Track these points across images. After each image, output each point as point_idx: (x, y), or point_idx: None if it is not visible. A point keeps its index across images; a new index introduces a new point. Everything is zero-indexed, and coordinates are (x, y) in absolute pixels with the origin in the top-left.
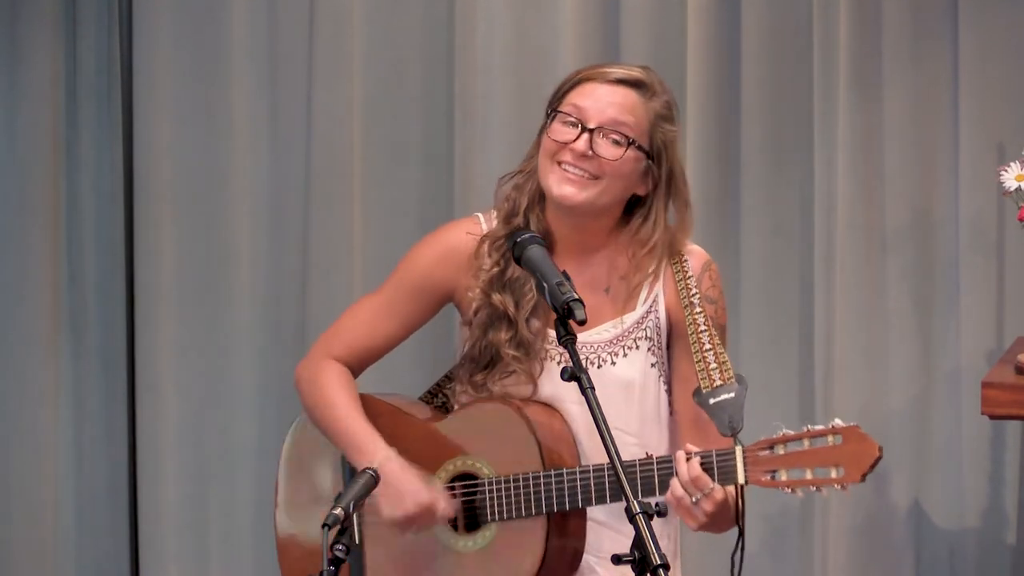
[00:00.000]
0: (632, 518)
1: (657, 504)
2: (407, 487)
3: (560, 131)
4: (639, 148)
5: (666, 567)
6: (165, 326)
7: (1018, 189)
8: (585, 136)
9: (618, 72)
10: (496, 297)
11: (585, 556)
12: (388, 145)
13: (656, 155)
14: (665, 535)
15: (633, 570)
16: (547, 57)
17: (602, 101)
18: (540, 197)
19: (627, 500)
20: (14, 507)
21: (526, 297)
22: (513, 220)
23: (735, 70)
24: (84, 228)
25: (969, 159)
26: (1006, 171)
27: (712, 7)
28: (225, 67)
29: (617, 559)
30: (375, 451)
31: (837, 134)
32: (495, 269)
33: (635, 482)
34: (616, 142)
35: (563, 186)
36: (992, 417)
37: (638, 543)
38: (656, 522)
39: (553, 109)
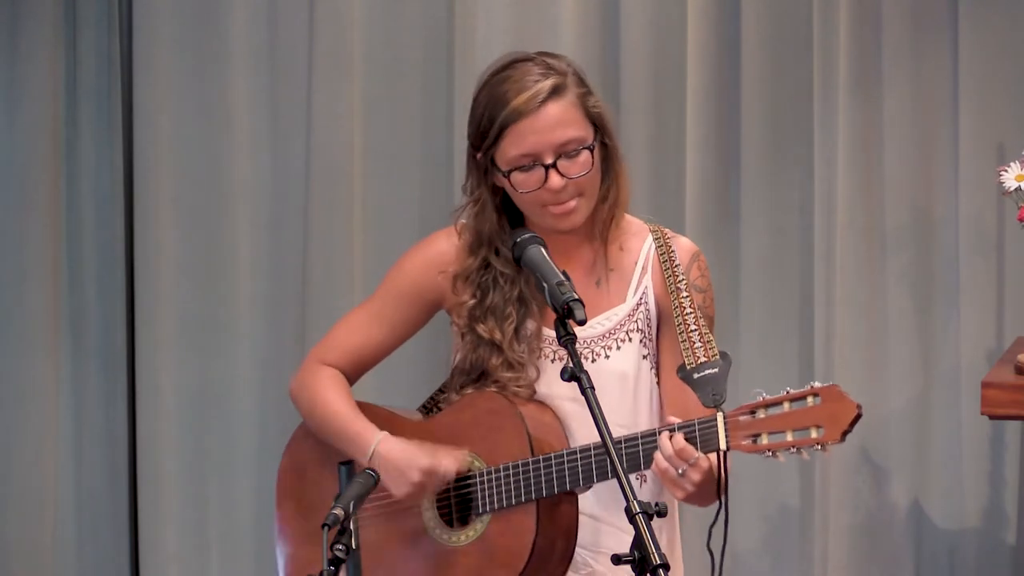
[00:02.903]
0: (632, 518)
1: (657, 504)
2: (405, 461)
3: (527, 181)
4: (592, 144)
5: (666, 567)
6: (165, 326)
7: (1018, 189)
8: (552, 172)
9: (532, 97)
10: (480, 327)
11: (581, 551)
12: (388, 145)
13: (601, 130)
14: (661, 529)
15: (633, 570)
16: None
17: (542, 133)
18: (501, 215)
19: (627, 500)
20: (14, 507)
21: (507, 320)
22: (480, 251)
23: (735, 70)
24: (84, 228)
25: (969, 159)
26: (1006, 171)
27: (712, 7)
28: (225, 67)
29: (617, 559)
30: (369, 436)
31: (837, 134)
32: (472, 302)
33: (620, 459)
34: (577, 153)
35: (563, 221)
36: (992, 417)
37: (638, 543)
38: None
39: (504, 167)
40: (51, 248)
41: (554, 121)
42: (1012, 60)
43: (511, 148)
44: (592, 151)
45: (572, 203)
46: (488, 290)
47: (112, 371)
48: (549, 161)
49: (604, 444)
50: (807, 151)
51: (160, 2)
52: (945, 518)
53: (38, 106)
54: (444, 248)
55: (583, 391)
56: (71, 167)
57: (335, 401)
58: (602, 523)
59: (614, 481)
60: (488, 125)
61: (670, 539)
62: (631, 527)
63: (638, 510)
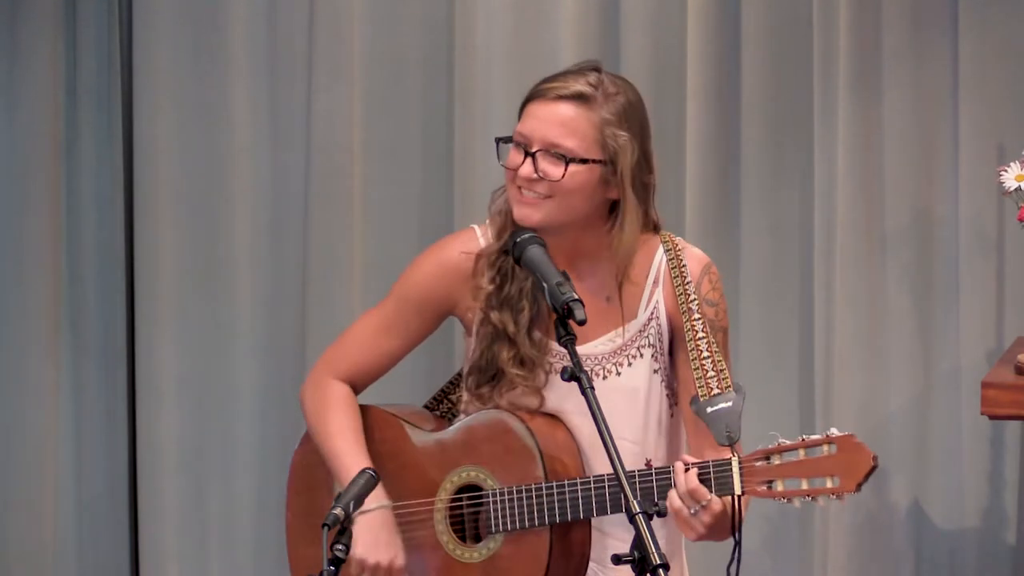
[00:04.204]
0: (632, 518)
1: (657, 504)
2: (387, 539)
3: (510, 158)
4: (584, 161)
5: (666, 567)
6: (165, 326)
7: (1018, 189)
8: (529, 160)
9: (556, 89)
10: (495, 316)
11: (593, 566)
12: (388, 145)
13: (612, 161)
14: (662, 536)
15: (633, 570)
16: (547, 57)
17: (541, 122)
18: None
19: (627, 500)
20: (14, 507)
21: (523, 313)
22: (505, 235)
23: (735, 70)
24: (84, 228)
25: (969, 159)
26: (1006, 171)
27: (712, 7)
28: (225, 67)
29: (617, 559)
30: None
31: (837, 134)
32: (491, 286)
33: (634, 492)
34: (557, 160)
35: (521, 209)
36: (992, 417)
37: (638, 543)
38: (655, 521)
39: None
40: (51, 248)
41: (557, 119)
42: (1012, 60)
43: (520, 122)
44: (575, 167)
45: (537, 200)
46: (506, 278)
47: (112, 371)
48: (532, 150)
49: (604, 444)
50: (807, 151)
51: (160, 2)
52: (945, 518)
53: (38, 106)
54: (455, 257)
55: (583, 391)
56: (71, 167)
57: (341, 433)
58: (609, 536)
59: None
60: (523, 101)
61: (672, 551)
62: None
63: (638, 510)
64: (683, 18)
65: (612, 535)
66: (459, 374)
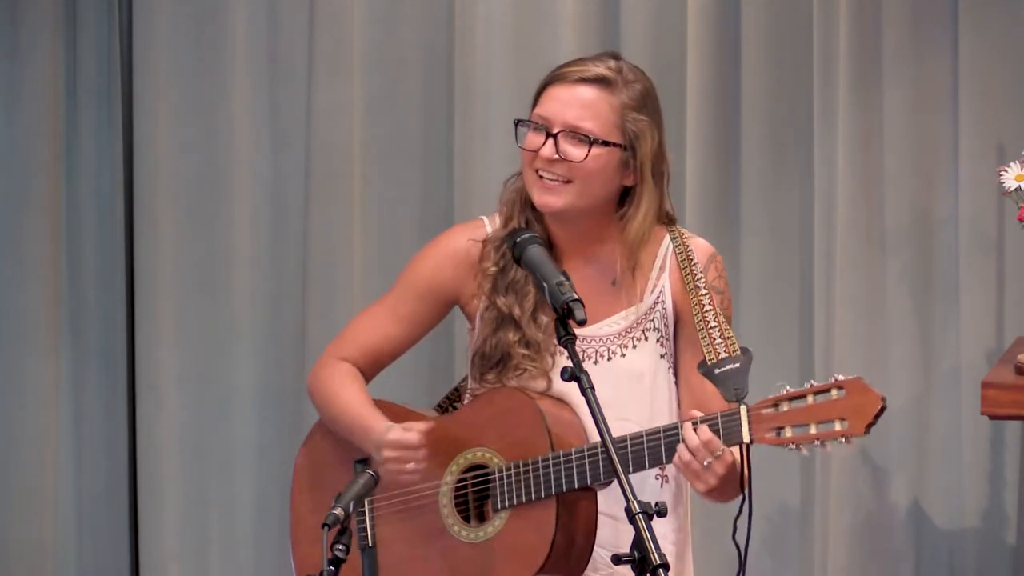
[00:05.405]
0: (632, 518)
1: (657, 504)
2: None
3: (529, 140)
4: (606, 144)
5: (666, 567)
6: (165, 326)
7: (1018, 189)
8: (550, 141)
9: (578, 71)
10: (500, 300)
11: (600, 550)
12: (388, 145)
13: (631, 146)
14: (673, 530)
15: (633, 570)
16: (547, 57)
17: (563, 104)
18: None
19: (627, 500)
20: (14, 507)
21: (527, 297)
22: (511, 223)
23: (735, 70)
24: (84, 228)
25: (969, 159)
26: (1006, 171)
27: (712, 7)
28: (225, 67)
29: (617, 559)
30: (380, 428)
31: (837, 134)
32: (494, 269)
33: (642, 453)
34: (580, 141)
35: (543, 196)
36: (992, 417)
37: (638, 543)
38: (661, 520)
39: (528, 118)
40: (51, 248)
41: (579, 101)
42: (1012, 60)
43: (539, 105)
44: (597, 149)
45: (556, 183)
46: (512, 263)
47: (112, 371)
48: (554, 131)
49: (604, 444)
50: (807, 151)
51: (160, 2)
52: (945, 518)
53: (38, 106)
54: (461, 245)
55: (583, 391)
56: (71, 167)
57: (348, 394)
58: (621, 522)
59: (633, 479)
60: (540, 86)
61: (681, 551)
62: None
63: (638, 510)
64: (683, 18)
65: (624, 520)
66: (463, 381)
